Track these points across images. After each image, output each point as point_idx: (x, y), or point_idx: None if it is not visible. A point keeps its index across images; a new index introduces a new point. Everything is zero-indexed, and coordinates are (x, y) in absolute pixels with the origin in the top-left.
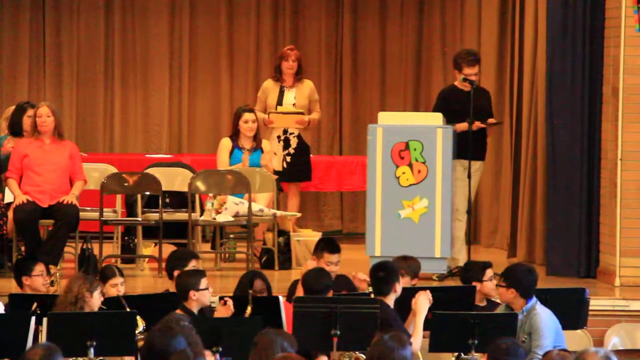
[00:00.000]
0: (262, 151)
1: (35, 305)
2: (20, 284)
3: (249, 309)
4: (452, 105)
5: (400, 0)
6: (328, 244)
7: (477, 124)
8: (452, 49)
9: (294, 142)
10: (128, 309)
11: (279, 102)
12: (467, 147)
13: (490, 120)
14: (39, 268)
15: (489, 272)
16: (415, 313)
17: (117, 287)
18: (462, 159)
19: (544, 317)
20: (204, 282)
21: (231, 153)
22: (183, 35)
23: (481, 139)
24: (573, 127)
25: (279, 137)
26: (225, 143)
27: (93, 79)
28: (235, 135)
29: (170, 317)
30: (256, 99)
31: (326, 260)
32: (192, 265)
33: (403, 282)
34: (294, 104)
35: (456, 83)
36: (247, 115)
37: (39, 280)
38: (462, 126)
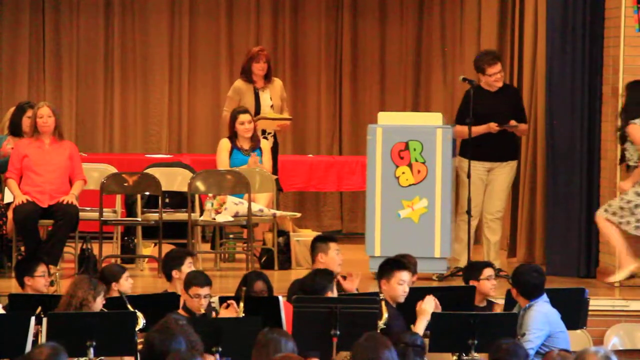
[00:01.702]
0: (261, 150)
1: (39, 309)
2: (21, 284)
3: (241, 306)
4: (476, 106)
5: (400, 0)
6: (327, 237)
7: (493, 127)
8: (452, 48)
9: (270, 141)
10: (130, 307)
11: (257, 105)
12: (467, 147)
13: (512, 123)
14: (42, 269)
15: (486, 272)
16: (418, 315)
17: (128, 280)
18: (479, 161)
19: (536, 315)
20: (205, 290)
21: (230, 154)
22: (183, 35)
23: (505, 139)
24: (573, 127)
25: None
26: (225, 144)
27: (93, 79)
28: (233, 136)
29: (169, 318)
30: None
31: (334, 250)
32: (188, 263)
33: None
34: (271, 106)
35: (481, 84)
36: (242, 117)
37: (41, 281)
38: (479, 129)
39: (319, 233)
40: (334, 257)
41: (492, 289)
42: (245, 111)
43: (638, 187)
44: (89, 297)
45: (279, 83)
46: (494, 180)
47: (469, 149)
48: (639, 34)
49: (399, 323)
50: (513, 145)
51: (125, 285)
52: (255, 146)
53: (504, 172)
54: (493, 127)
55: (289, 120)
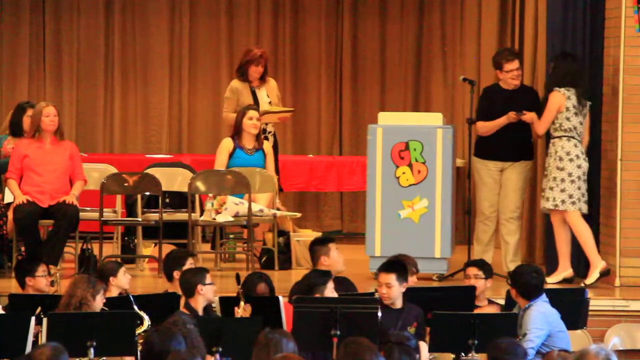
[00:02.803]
0: (264, 152)
1: (39, 309)
2: (22, 284)
3: (241, 305)
4: (492, 104)
5: (401, 1)
6: (325, 238)
7: (512, 115)
8: (452, 48)
9: (271, 140)
10: (135, 307)
11: (255, 102)
12: (477, 146)
13: (526, 113)
14: (43, 268)
15: (468, 270)
16: None
17: (126, 275)
18: (490, 160)
19: (535, 315)
20: (209, 277)
21: (232, 153)
22: (183, 35)
23: (518, 139)
24: None
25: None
26: (226, 143)
27: (93, 79)
28: (236, 134)
29: (176, 319)
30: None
31: (335, 249)
32: (189, 263)
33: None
34: (269, 103)
35: (499, 82)
36: (251, 113)
37: (42, 281)
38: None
39: (319, 233)
40: (336, 257)
41: (476, 286)
42: (255, 108)
43: (559, 161)
44: (87, 295)
45: (273, 83)
46: (507, 181)
47: (477, 148)
48: (639, 34)
49: (392, 323)
50: (527, 145)
51: (123, 280)
52: (259, 146)
53: (516, 172)
54: (512, 115)
55: (291, 112)
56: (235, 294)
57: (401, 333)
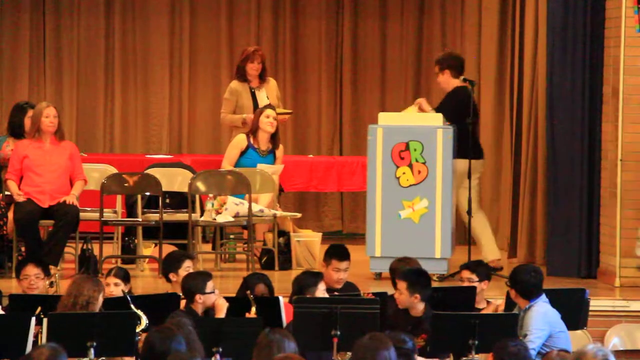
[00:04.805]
0: (275, 156)
1: (39, 309)
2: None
3: (253, 310)
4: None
5: (401, 1)
6: (337, 251)
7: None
8: (452, 48)
9: None
10: (133, 307)
11: (254, 104)
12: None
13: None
14: (26, 271)
15: (462, 273)
16: None
17: (109, 286)
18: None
19: (536, 315)
20: (209, 286)
21: (245, 152)
22: (183, 35)
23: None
24: (573, 127)
25: None
26: (240, 140)
27: (93, 79)
28: (253, 132)
29: (173, 320)
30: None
31: (334, 267)
32: (186, 266)
33: None
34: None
35: None
36: (268, 111)
37: (25, 284)
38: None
39: (320, 233)
40: (330, 274)
41: None
42: (273, 108)
43: None
44: (95, 294)
45: (273, 83)
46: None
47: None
48: (639, 34)
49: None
50: (463, 144)
51: (112, 289)
52: (272, 148)
53: (454, 169)
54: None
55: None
56: (234, 295)
57: (398, 335)
